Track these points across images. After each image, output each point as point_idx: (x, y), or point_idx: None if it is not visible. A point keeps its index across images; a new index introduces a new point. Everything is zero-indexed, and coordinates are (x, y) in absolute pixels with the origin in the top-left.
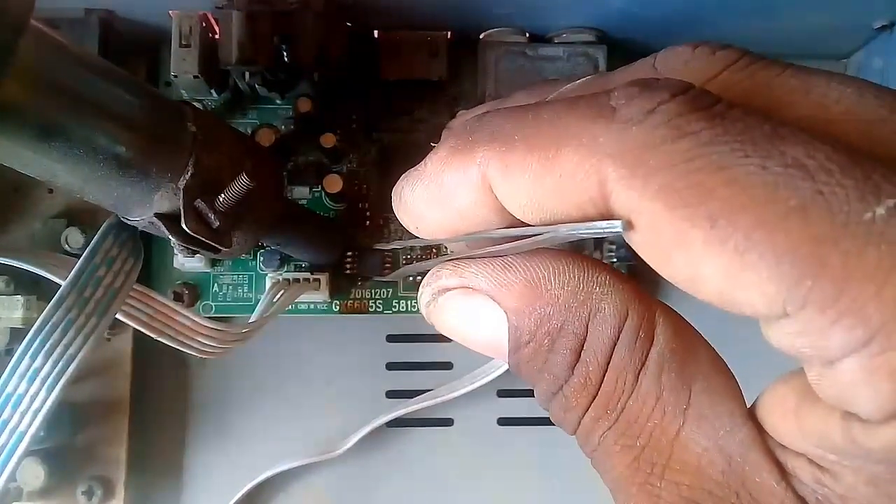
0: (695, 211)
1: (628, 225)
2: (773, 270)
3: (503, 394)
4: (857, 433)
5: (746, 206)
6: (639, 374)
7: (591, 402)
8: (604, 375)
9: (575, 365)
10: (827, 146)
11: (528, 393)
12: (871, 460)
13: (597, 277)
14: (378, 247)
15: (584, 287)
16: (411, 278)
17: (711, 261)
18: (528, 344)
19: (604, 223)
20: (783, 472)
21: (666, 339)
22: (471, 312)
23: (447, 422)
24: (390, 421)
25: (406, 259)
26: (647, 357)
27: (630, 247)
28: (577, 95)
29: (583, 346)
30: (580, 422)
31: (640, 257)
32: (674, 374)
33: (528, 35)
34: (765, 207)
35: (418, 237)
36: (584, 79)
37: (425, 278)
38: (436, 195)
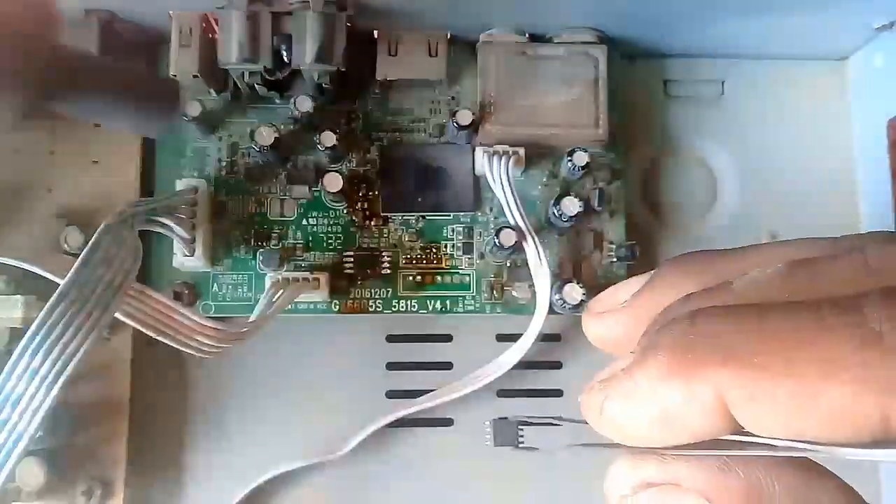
0: None
1: None
2: None
3: (503, 394)
4: None
5: None
6: None
7: None
8: None
9: None
10: None
11: (529, 393)
12: None
13: (824, 487)
14: (515, 419)
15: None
16: (411, 278)
17: None
18: None
19: None
20: None
21: None
22: None
23: (447, 422)
24: (390, 421)
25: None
26: None
27: (630, 247)
28: (812, 303)
29: None
30: None
31: (638, 257)
32: None
33: (528, 35)
34: None
35: (567, 419)
36: (774, 268)
37: (615, 467)
38: (655, 416)
